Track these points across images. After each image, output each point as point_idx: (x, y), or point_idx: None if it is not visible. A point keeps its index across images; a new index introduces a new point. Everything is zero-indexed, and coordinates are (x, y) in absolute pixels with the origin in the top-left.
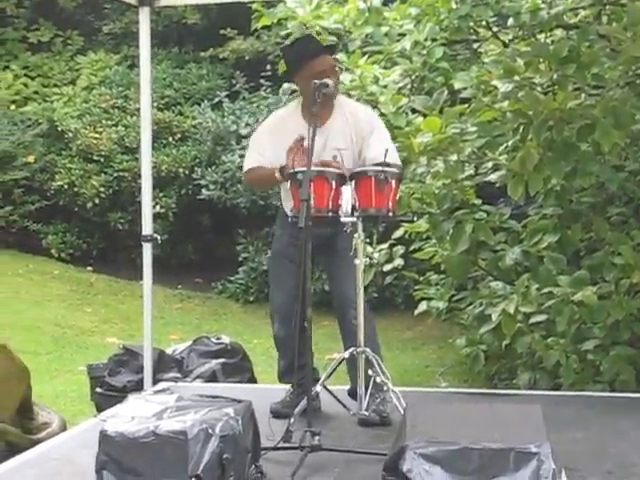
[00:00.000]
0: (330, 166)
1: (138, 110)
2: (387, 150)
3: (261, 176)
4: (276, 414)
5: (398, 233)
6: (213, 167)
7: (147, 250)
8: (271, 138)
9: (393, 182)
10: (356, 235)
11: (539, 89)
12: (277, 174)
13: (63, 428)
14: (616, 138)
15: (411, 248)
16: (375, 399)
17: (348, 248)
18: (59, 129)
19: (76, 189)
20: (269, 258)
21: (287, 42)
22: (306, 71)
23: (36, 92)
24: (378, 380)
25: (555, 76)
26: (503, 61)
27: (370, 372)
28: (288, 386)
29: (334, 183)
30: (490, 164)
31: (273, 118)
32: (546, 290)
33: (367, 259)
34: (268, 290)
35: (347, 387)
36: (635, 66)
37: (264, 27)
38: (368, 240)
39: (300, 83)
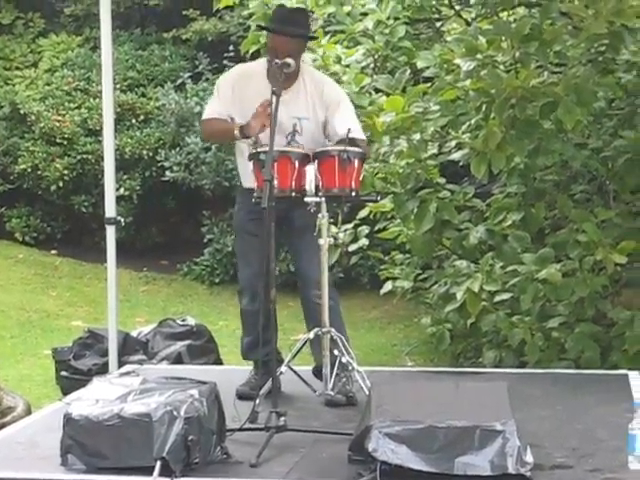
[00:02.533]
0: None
1: (101, 92)
2: (349, 130)
3: (220, 129)
4: (242, 396)
5: (363, 213)
6: (177, 149)
7: (111, 233)
8: (234, 91)
9: (356, 162)
10: (320, 215)
11: (502, 67)
12: (237, 132)
13: (28, 412)
14: (579, 115)
15: (376, 228)
16: (341, 379)
17: (309, 227)
18: (21, 112)
19: (39, 172)
20: (234, 236)
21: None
22: (268, 40)
23: None
24: (343, 360)
25: (517, 54)
26: (465, 40)
27: (335, 352)
28: (252, 367)
29: (297, 163)
30: (453, 143)
31: (238, 71)
32: (510, 268)
33: (332, 239)
34: (234, 272)
35: (311, 367)
36: (597, 43)
37: (226, 7)
38: (332, 220)
39: (268, 51)
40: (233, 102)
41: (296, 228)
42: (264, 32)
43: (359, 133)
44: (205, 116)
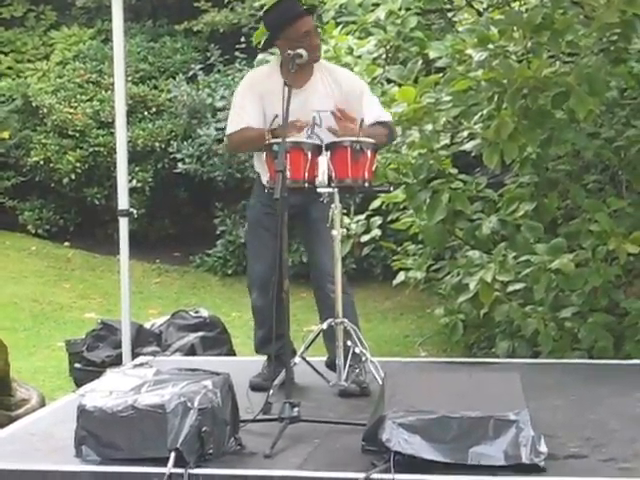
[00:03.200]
0: (296, 127)
1: (113, 84)
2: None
3: (250, 137)
4: (256, 388)
5: (375, 204)
6: (189, 140)
7: (123, 224)
8: (252, 98)
9: (369, 152)
10: (333, 206)
11: (513, 57)
12: (268, 135)
13: (42, 404)
14: (591, 105)
15: (388, 219)
16: (354, 370)
17: (323, 219)
18: (33, 105)
19: (52, 165)
20: (246, 228)
21: (266, 8)
22: (290, 33)
23: (10, 67)
24: (357, 351)
25: (529, 44)
26: (477, 30)
27: (349, 343)
28: (265, 358)
29: (310, 154)
30: (465, 133)
31: (249, 78)
32: (523, 258)
33: (344, 230)
34: (246, 263)
35: (325, 358)
36: (609, 33)
37: None
38: (345, 211)
39: (282, 46)
40: (253, 107)
41: (312, 220)
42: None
43: (386, 116)
44: (231, 129)
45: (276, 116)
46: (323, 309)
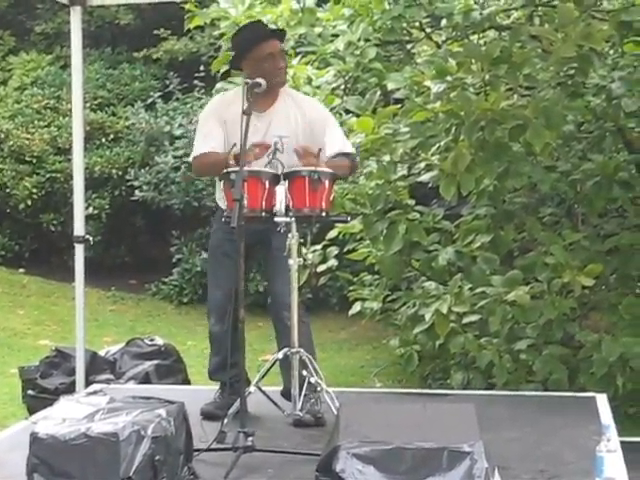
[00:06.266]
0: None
1: (71, 111)
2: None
3: (214, 161)
4: (207, 416)
5: (332, 234)
6: (146, 168)
7: (79, 251)
8: (216, 123)
9: (327, 182)
10: (290, 235)
11: (471, 90)
12: (232, 161)
13: None
14: (548, 138)
15: (345, 249)
16: (309, 399)
17: (283, 248)
18: None
19: (8, 190)
20: (208, 255)
21: (235, 30)
22: (255, 53)
23: None
24: (312, 380)
25: (487, 77)
26: (436, 62)
27: (304, 372)
28: (217, 387)
29: (267, 183)
30: (423, 164)
31: (215, 102)
32: (479, 290)
33: (301, 260)
34: (202, 291)
35: (279, 388)
36: (566, 67)
37: (197, 27)
38: (302, 240)
39: (247, 68)
40: (218, 133)
41: (272, 249)
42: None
43: (349, 147)
44: (196, 152)
45: (234, 145)
46: (281, 338)
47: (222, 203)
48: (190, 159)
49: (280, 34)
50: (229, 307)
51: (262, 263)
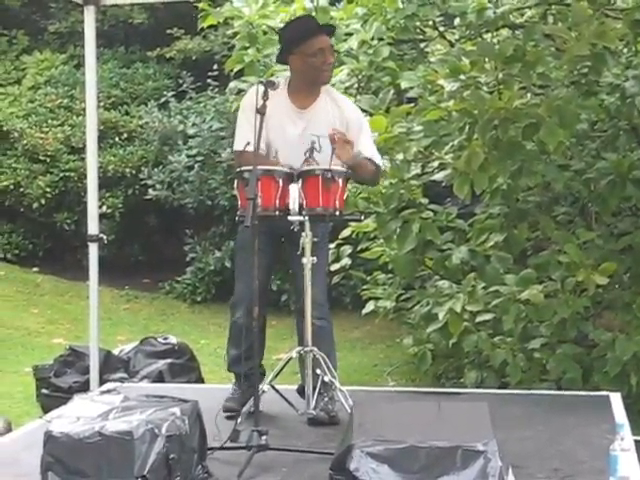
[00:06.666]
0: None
1: (84, 110)
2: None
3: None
4: (230, 412)
5: (345, 233)
6: (160, 167)
7: (93, 250)
8: (253, 115)
9: (340, 181)
10: (303, 234)
11: (485, 88)
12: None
13: (8, 429)
14: (561, 137)
15: (358, 248)
16: (323, 398)
17: (314, 247)
18: (4, 129)
19: (22, 189)
20: (235, 249)
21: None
22: (305, 48)
23: None
24: (326, 379)
25: (500, 75)
26: (449, 60)
27: (318, 371)
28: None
29: (281, 182)
30: (436, 163)
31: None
32: (493, 289)
33: (314, 258)
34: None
35: (294, 386)
36: (580, 65)
37: (211, 27)
38: (316, 239)
39: (295, 61)
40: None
41: (298, 247)
42: (248, 51)
43: (378, 159)
44: (237, 146)
45: (248, 143)
46: (312, 338)
47: None
48: (234, 150)
49: (330, 29)
50: (257, 301)
51: (287, 261)
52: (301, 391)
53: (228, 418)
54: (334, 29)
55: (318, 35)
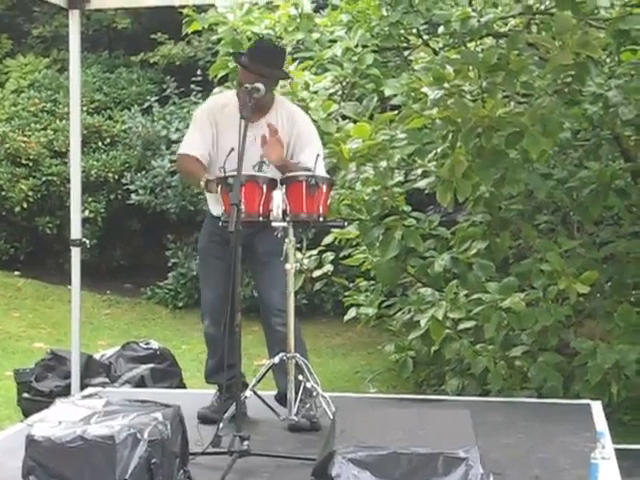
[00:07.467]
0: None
1: (67, 114)
2: (317, 158)
3: (191, 172)
4: (204, 419)
5: (328, 239)
6: (143, 172)
7: (76, 254)
8: (210, 123)
9: (324, 187)
10: (287, 240)
11: (468, 96)
12: (202, 183)
13: None
14: (544, 146)
15: (341, 254)
16: (305, 404)
17: (271, 253)
18: None
19: (4, 193)
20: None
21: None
22: (240, 73)
23: None
24: (308, 385)
25: (484, 84)
26: (433, 68)
27: (300, 377)
28: (215, 390)
29: (265, 187)
30: (419, 171)
31: (212, 102)
32: (475, 297)
33: (297, 265)
34: (198, 296)
35: (274, 393)
36: (563, 74)
37: (195, 32)
38: (298, 245)
39: (244, 75)
40: (210, 131)
41: (259, 254)
42: (232, 57)
43: (322, 169)
44: (181, 150)
45: (232, 150)
46: (272, 344)
47: (211, 205)
48: (178, 151)
49: (272, 60)
50: (222, 308)
51: (250, 269)
52: (279, 399)
53: (202, 424)
54: (277, 75)
55: (249, 70)
